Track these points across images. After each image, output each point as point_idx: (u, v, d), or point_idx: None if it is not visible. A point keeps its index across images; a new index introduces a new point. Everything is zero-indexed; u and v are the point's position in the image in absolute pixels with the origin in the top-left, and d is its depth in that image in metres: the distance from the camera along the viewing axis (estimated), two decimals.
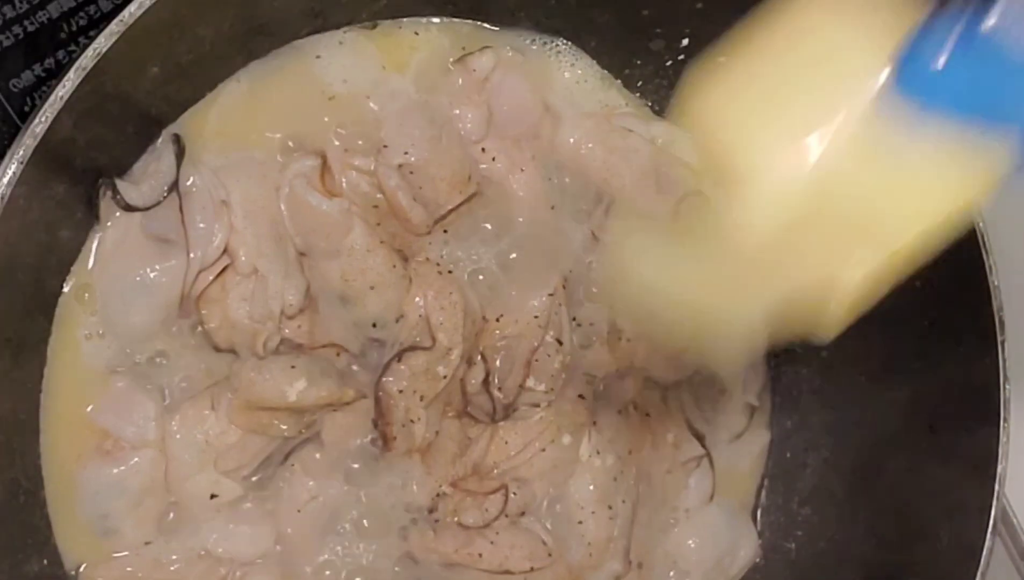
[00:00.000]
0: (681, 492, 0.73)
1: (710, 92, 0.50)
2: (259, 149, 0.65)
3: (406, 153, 0.66)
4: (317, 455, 0.65)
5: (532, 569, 0.68)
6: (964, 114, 0.45)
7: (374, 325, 0.65)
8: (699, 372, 0.74)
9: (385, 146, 0.66)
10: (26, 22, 0.64)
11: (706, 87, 0.49)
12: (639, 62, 0.73)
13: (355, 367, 0.65)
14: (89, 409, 0.62)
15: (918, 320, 0.68)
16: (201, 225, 0.62)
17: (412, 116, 0.67)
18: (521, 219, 0.69)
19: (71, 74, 0.55)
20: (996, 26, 0.44)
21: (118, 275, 0.62)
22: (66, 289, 0.62)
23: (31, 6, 0.63)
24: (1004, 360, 0.64)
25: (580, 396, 0.70)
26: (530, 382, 0.68)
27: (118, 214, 0.62)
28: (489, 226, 0.69)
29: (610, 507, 0.70)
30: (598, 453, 0.70)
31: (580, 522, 0.70)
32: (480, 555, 0.67)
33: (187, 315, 0.63)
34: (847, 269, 0.49)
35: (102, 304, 0.62)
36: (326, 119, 0.66)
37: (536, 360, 0.68)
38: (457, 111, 0.68)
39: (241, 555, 0.64)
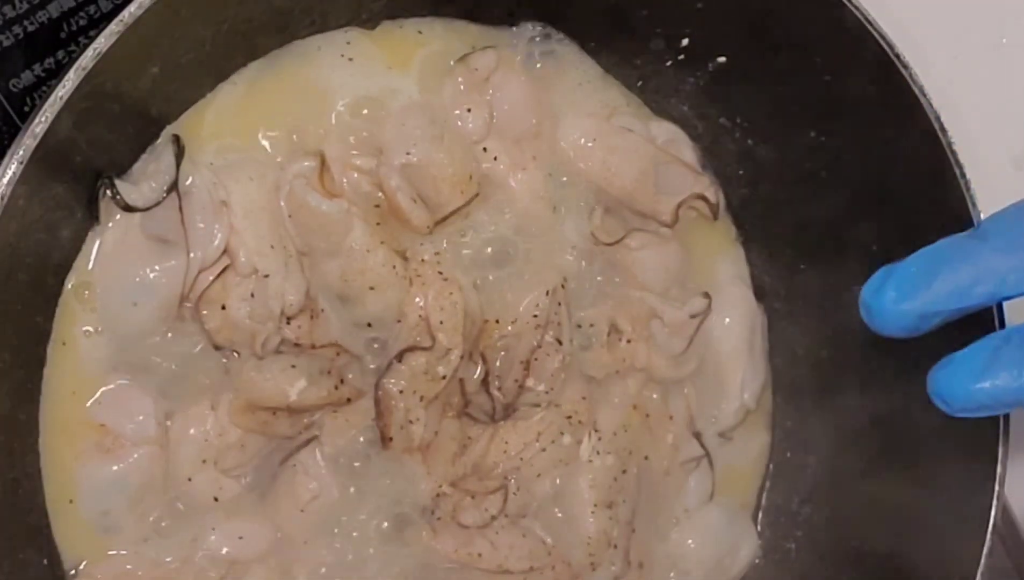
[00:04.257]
0: (681, 492, 0.73)
1: None
2: (259, 149, 0.65)
3: (408, 153, 0.66)
4: (317, 455, 0.65)
5: (532, 569, 0.68)
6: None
7: (373, 325, 0.65)
8: (699, 372, 0.74)
9: (386, 146, 0.66)
10: (26, 22, 0.64)
11: None
12: (639, 62, 0.73)
13: (355, 367, 0.65)
14: (88, 406, 0.62)
15: None
16: (201, 225, 0.62)
17: (413, 116, 0.67)
18: (522, 219, 0.69)
19: (71, 74, 0.55)
20: None
21: (118, 276, 0.62)
22: (66, 288, 0.62)
23: (31, 6, 0.63)
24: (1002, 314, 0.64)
25: (581, 396, 0.70)
26: (530, 382, 0.68)
27: (118, 215, 0.62)
28: (489, 226, 0.69)
29: (610, 507, 0.70)
30: (598, 453, 0.70)
31: (580, 522, 0.70)
32: (480, 555, 0.67)
33: (187, 315, 0.63)
34: None
35: (102, 304, 0.62)
36: (326, 119, 0.66)
37: (535, 360, 0.68)
38: (458, 111, 0.68)
39: (241, 554, 0.65)
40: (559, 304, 0.68)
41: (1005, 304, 0.63)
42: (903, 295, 0.53)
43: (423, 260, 0.67)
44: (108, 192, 0.61)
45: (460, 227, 0.68)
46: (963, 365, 0.53)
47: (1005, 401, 0.52)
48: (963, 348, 0.54)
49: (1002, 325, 0.62)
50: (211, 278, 0.62)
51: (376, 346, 0.66)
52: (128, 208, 0.61)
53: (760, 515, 0.78)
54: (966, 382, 0.52)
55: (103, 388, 0.62)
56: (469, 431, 0.68)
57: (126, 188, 0.61)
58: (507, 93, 0.69)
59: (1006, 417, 0.64)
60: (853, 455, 0.74)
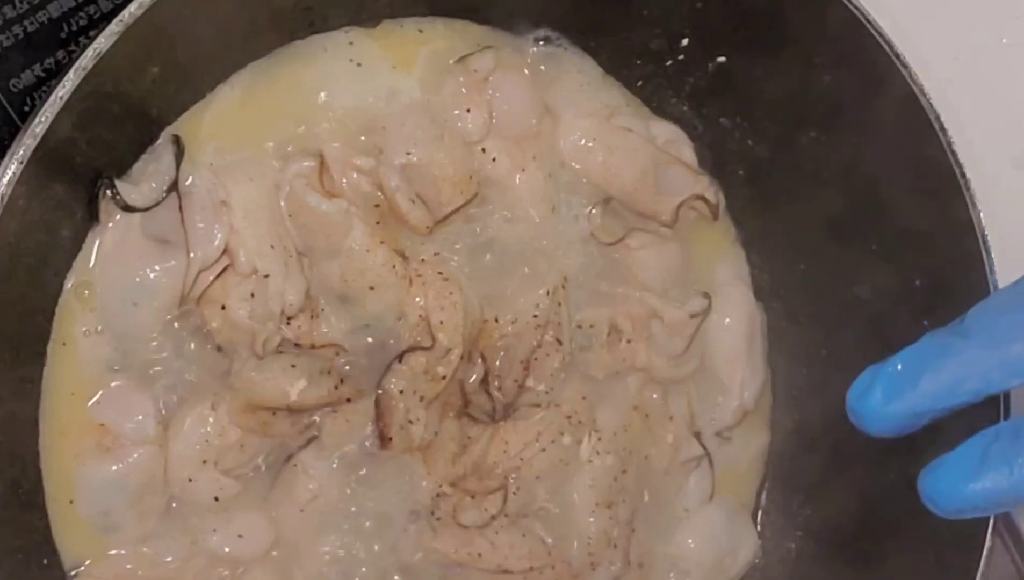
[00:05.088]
0: (681, 492, 0.73)
1: None
2: (259, 149, 0.65)
3: (408, 153, 0.66)
4: (318, 455, 0.65)
5: (531, 569, 0.68)
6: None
7: (373, 325, 0.65)
8: (699, 372, 0.74)
9: (386, 146, 0.66)
10: (26, 22, 0.64)
11: None
12: (639, 62, 0.73)
13: (355, 367, 0.65)
14: (88, 406, 0.62)
15: (918, 320, 0.68)
16: (200, 225, 0.62)
17: (414, 116, 0.67)
18: (522, 219, 0.69)
19: (71, 74, 0.55)
20: None
21: (118, 276, 0.62)
22: (66, 288, 0.62)
23: (31, 6, 0.63)
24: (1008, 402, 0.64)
25: (581, 396, 0.70)
26: (530, 382, 0.68)
27: (118, 215, 0.62)
28: (489, 226, 0.69)
29: (610, 507, 0.70)
30: (598, 453, 0.70)
31: (580, 522, 0.70)
32: (479, 555, 0.67)
33: (187, 315, 0.63)
34: None
35: (102, 304, 0.62)
36: (326, 119, 0.66)
37: (535, 360, 0.68)
38: (457, 111, 0.68)
39: (241, 554, 0.65)
40: (559, 304, 0.68)
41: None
42: (889, 397, 0.53)
43: (423, 260, 0.67)
44: (108, 192, 0.61)
45: (460, 227, 0.68)
46: (953, 467, 0.52)
47: (999, 501, 0.51)
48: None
49: (1007, 410, 0.62)
50: (211, 278, 0.62)
51: (376, 346, 0.66)
52: (128, 208, 0.61)
53: (760, 515, 0.78)
54: (957, 484, 0.51)
55: (103, 388, 0.62)
56: (469, 431, 0.67)
57: (126, 188, 0.61)
58: (507, 93, 0.69)
59: (1006, 414, 0.64)
60: (853, 454, 0.73)
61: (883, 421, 0.53)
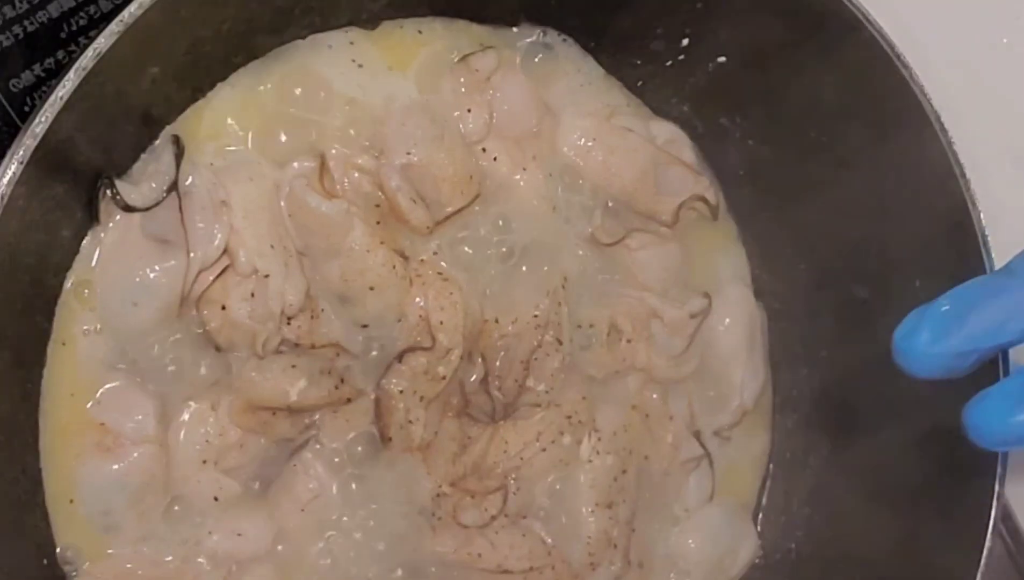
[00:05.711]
0: (681, 492, 0.73)
1: None
2: (258, 149, 0.65)
3: (408, 153, 0.66)
4: (318, 455, 0.65)
5: (531, 569, 0.68)
6: None
7: (373, 325, 0.65)
8: (699, 372, 0.74)
9: (387, 146, 0.66)
10: (26, 22, 0.64)
11: None
12: (639, 62, 0.73)
13: (355, 367, 0.65)
14: (88, 406, 0.62)
15: None
16: (200, 225, 0.62)
17: (414, 116, 0.67)
18: (522, 219, 0.69)
19: (71, 74, 0.55)
20: None
21: (118, 276, 0.62)
22: (66, 288, 0.62)
23: (31, 6, 0.63)
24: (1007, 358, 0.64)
25: (581, 396, 0.70)
26: (530, 382, 0.68)
27: (118, 215, 0.62)
28: (489, 226, 0.69)
29: (610, 507, 0.70)
30: (598, 453, 0.70)
31: (580, 522, 0.70)
32: (479, 555, 0.67)
33: (187, 315, 0.63)
34: None
35: (102, 304, 0.62)
36: (326, 119, 0.66)
37: (535, 360, 0.68)
38: (458, 112, 0.68)
39: (241, 554, 0.65)
40: (559, 304, 0.69)
41: None
42: (937, 336, 0.53)
43: (423, 260, 0.67)
44: (108, 192, 0.61)
45: (460, 227, 0.68)
46: (998, 399, 0.52)
47: None
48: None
49: (1005, 360, 0.62)
50: (211, 278, 0.62)
51: (376, 346, 0.66)
52: (128, 208, 0.61)
53: (760, 515, 0.78)
54: (1003, 416, 0.51)
55: (103, 388, 0.62)
56: (469, 431, 0.68)
57: (126, 188, 0.61)
58: (507, 93, 0.69)
59: None
60: (853, 455, 0.74)
61: (930, 361, 0.53)
